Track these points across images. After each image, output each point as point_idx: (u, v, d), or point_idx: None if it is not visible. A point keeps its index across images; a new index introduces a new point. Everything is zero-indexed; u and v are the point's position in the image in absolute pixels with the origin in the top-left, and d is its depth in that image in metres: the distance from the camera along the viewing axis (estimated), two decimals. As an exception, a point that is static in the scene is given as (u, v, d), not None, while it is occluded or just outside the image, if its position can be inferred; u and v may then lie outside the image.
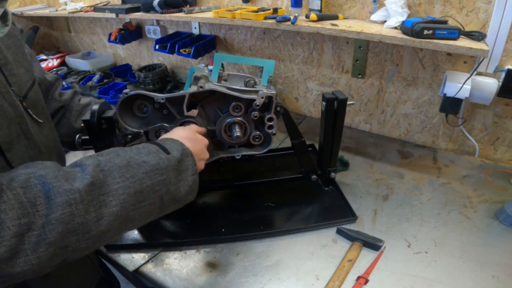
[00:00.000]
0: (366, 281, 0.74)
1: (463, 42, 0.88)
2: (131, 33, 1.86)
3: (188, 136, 0.67)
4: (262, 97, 0.78)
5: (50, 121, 0.71)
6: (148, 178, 0.52)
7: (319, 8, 1.18)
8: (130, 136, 0.81)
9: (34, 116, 0.62)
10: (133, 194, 0.50)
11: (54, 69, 2.13)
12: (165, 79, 1.84)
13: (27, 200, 0.40)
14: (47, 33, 2.52)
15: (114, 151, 0.54)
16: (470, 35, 0.93)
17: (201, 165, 0.69)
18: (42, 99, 0.69)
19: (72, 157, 1.29)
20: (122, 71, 2.06)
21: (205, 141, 0.72)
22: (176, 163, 0.57)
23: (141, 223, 0.55)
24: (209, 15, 1.33)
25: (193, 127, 0.75)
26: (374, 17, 1.09)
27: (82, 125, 0.74)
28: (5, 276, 0.39)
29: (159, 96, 0.76)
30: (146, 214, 0.53)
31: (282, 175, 1.03)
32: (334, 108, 0.88)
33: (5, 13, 0.59)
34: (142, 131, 0.79)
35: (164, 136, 0.68)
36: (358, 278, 0.74)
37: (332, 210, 0.94)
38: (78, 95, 0.91)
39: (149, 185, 0.52)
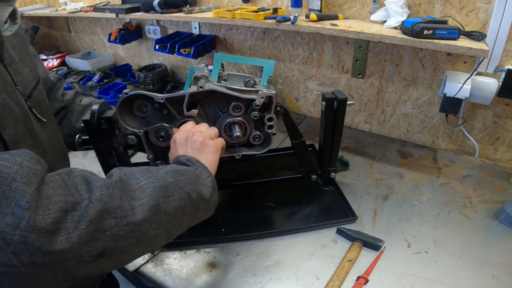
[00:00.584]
0: (366, 281, 0.74)
1: (463, 42, 0.88)
2: (131, 33, 1.86)
3: (182, 137, 0.68)
4: (262, 97, 0.78)
5: (53, 120, 0.71)
6: (169, 176, 0.54)
7: (319, 8, 1.18)
8: (130, 136, 0.81)
9: (38, 116, 0.63)
10: (159, 187, 0.51)
11: (54, 69, 2.13)
12: (165, 79, 1.84)
13: (71, 184, 0.43)
14: (47, 33, 2.52)
15: (131, 167, 0.58)
16: (470, 35, 0.93)
17: (217, 142, 0.70)
18: (46, 98, 0.70)
19: (72, 157, 1.29)
20: (122, 71, 2.06)
21: (201, 133, 0.69)
22: (192, 169, 0.59)
23: (182, 223, 0.55)
24: (209, 15, 1.33)
25: (188, 124, 0.74)
26: (374, 17, 1.09)
27: (83, 125, 0.74)
28: (46, 254, 0.38)
29: (159, 96, 0.76)
30: (179, 209, 0.53)
31: (282, 175, 1.03)
32: (334, 108, 0.88)
33: (14, 12, 0.59)
34: (141, 131, 0.79)
35: (169, 154, 0.71)
36: (358, 278, 0.74)
37: (332, 210, 0.94)
38: (80, 95, 0.92)
39: (172, 181, 0.53)
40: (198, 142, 0.67)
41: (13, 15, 0.59)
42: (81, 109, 0.88)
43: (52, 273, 0.41)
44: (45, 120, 0.65)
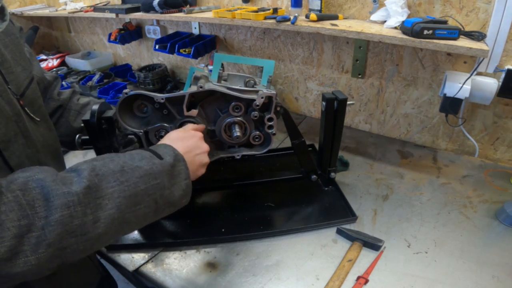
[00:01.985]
0: (366, 281, 0.74)
1: (463, 42, 0.88)
2: (131, 33, 1.86)
3: (179, 136, 0.67)
4: (262, 97, 0.78)
5: (47, 119, 0.71)
6: (142, 182, 0.53)
7: (319, 8, 1.18)
8: (130, 136, 0.81)
9: (31, 115, 0.62)
10: (128, 197, 0.50)
11: (54, 69, 2.13)
12: (165, 79, 1.84)
13: (26, 202, 0.41)
14: (47, 33, 2.52)
15: (108, 156, 0.55)
16: (470, 35, 0.93)
17: (203, 158, 0.68)
18: (40, 97, 0.69)
19: (72, 157, 1.30)
20: (122, 71, 2.06)
21: (197, 135, 0.70)
22: (169, 168, 0.58)
23: (138, 227, 0.56)
24: (209, 15, 1.33)
25: (188, 126, 0.75)
26: (374, 17, 1.09)
27: (82, 125, 0.74)
28: (4, 277, 0.39)
29: (159, 96, 0.76)
30: (142, 217, 0.54)
31: (282, 175, 1.03)
32: (334, 108, 0.88)
33: (2, 9, 0.58)
34: (141, 131, 0.79)
35: (160, 141, 0.68)
36: (358, 278, 0.74)
37: (332, 210, 0.94)
38: (77, 94, 0.91)
39: (143, 189, 0.53)
40: (193, 141, 0.68)
41: (1, 13, 0.58)
42: (79, 108, 0.87)
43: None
44: (38, 119, 0.64)
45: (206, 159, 0.69)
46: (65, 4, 2.05)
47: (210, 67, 1.28)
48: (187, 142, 0.66)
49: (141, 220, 0.54)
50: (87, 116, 0.73)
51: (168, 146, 0.62)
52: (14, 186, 0.41)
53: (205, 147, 0.70)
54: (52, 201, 0.42)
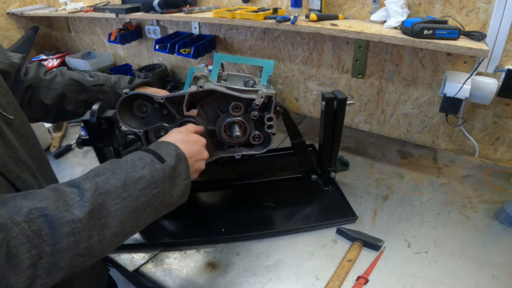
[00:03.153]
0: (366, 281, 0.74)
1: (463, 42, 0.88)
2: (131, 33, 1.86)
3: (184, 139, 0.67)
4: (262, 97, 0.78)
5: (20, 114, 0.66)
6: (144, 194, 0.54)
7: (319, 8, 1.18)
8: (130, 137, 0.81)
9: (4, 113, 0.59)
10: (131, 212, 0.52)
11: (54, 69, 2.12)
12: (165, 79, 1.84)
13: (33, 232, 0.42)
14: (47, 33, 2.52)
15: (110, 168, 0.54)
16: (470, 35, 0.93)
17: (201, 165, 0.70)
18: (8, 92, 0.65)
19: (72, 157, 1.30)
20: (122, 71, 2.05)
21: (202, 141, 0.71)
22: (170, 171, 0.58)
23: (137, 232, 0.58)
24: (209, 15, 1.33)
25: (189, 127, 0.75)
26: (374, 17, 1.09)
27: (52, 102, 0.75)
28: None
29: (158, 96, 0.76)
30: (142, 225, 0.56)
31: (282, 175, 1.03)
32: (334, 108, 0.88)
33: None
34: (141, 131, 0.79)
35: (162, 138, 0.68)
36: (358, 278, 0.74)
37: (332, 210, 0.94)
38: (42, 67, 0.86)
39: (145, 201, 0.54)
40: (197, 147, 0.68)
41: None
42: (47, 84, 0.81)
43: None
44: (12, 117, 0.61)
45: (203, 166, 0.71)
46: (65, 4, 2.05)
47: (210, 67, 1.28)
48: (192, 147, 0.67)
49: (140, 227, 0.56)
50: (87, 116, 0.73)
51: (170, 145, 0.62)
52: (19, 219, 0.42)
53: (206, 154, 0.71)
54: (57, 229, 0.44)
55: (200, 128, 0.77)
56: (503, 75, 1.01)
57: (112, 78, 0.86)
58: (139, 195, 0.53)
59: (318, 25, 1.07)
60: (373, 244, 0.82)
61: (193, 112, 0.79)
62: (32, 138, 0.68)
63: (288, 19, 1.11)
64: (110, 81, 0.85)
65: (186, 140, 0.67)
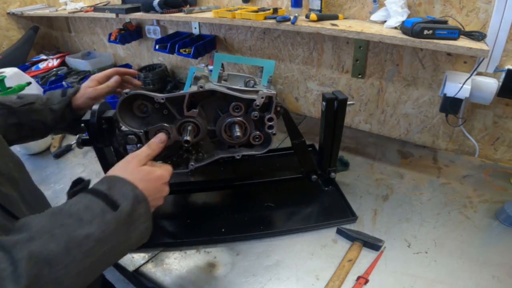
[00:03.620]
0: (366, 281, 0.74)
1: (463, 42, 0.88)
2: (131, 33, 1.86)
3: (144, 177, 0.58)
4: (262, 97, 0.78)
5: None
6: (91, 255, 0.47)
7: (319, 8, 1.18)
8: (130, 136, 0.81)
9: None
10: (76, 276, 0.45)
11: (54, 69, 2.13)
12: (165, 79, 1.84)
13: None
14: (47, 33, 2.52)
15: (48, 227, 0.45)
16: (470, 35, 0.93)
17: (159, 201, 0.62)
18: None
19: (72, 157, 1.30)
20: (122, 71, 2.05)
21: (165, 177, 0.63)
22: (126, 218, 0.51)
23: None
24: (209, 15, 1.33)
25: (155, 169, 0.62)
26: (374, 17, 1.09)
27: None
28: None
29: (159, 96, 0.76)
30: (97, 275, 0.50)
31: (282, 175, 1.03)
32: (334, 108, 0.88)
33: None
34: (141, 131, 0.79)
35: (118, 170, 0.59)
36: (358, 278, 0.74)
37: (332, 210, 0.94)
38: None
39: (93, 261, 0.47)
40: (158, 184, 0.61)
41: None
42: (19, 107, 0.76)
43: None
44: None
45: (161, 202, 0.63)
46: (65, 4, 2.05)
47: (210, 67, 1.28)
48: (153, 184, 0.59)
49: (95, 277, 0.50)
50: (87, 116, 0.73)
51: (127, 184, 0.54)
52: None
53: (167, 190, 0.64)
54: None
55: (165, 137, 0.71)
56: (503, 75, 1.01)
57: (43, 96, 0.80)
58: (85, 258, 0.46)
59: (318, 25, 1.07)
60: (373, 244, 0.82)
61: (194, 112, 0.79)
62: (11, 157, 0.63)
63: (288, 19, 1.11)
64: (42, 99, 0.79)
65: (147, 177, 0.58)
